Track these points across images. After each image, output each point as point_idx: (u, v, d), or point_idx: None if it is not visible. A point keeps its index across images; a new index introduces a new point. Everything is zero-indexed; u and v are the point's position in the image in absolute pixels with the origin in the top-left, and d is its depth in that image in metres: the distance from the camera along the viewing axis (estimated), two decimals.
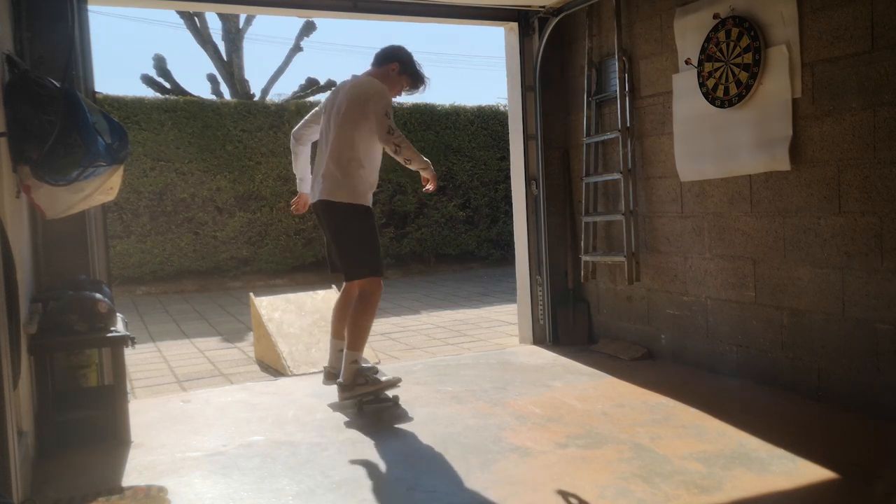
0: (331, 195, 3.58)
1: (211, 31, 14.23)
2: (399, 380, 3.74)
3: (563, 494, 2.54)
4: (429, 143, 11.59)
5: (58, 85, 2.77)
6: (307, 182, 3.98)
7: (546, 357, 4.75)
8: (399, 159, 3.58)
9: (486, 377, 4.25)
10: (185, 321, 7.62)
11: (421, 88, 3.89)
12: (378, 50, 3.85)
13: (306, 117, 3.98)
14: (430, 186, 3.73)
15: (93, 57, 3.84)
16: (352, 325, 3.60)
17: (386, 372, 3.90)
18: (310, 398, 3.92)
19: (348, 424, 3.44)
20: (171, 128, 10.00)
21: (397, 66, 3.77)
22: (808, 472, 2.64)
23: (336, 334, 3.84)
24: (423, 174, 3.70)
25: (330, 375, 3.81)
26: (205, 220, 10.28)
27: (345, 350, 3.61)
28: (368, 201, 3.66)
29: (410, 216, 11.57)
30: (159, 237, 10.03)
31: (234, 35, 14.26)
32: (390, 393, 3.73)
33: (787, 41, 3.52)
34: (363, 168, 3.61)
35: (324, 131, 3.75)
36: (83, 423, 3.23)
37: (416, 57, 3.84)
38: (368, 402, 3.64)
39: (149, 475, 2.84)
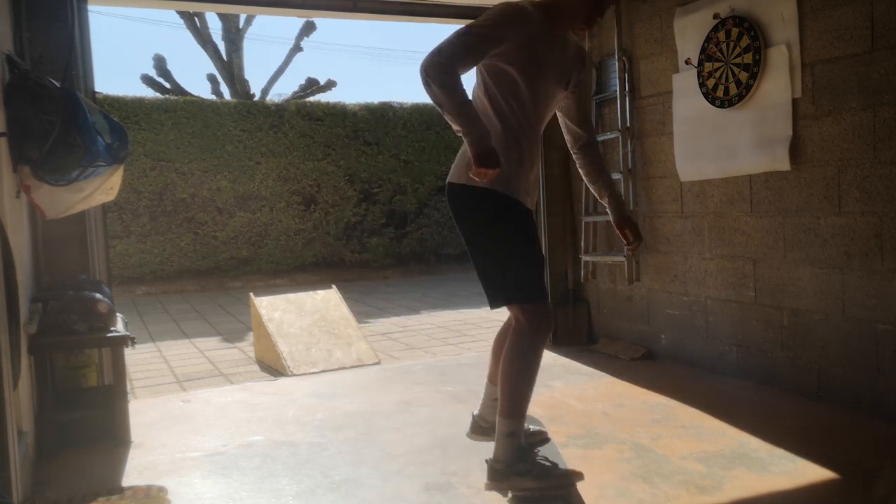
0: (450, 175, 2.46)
1: (211, 31, 14.25)
2: (580, 477, 2.40)
3: None
4: (429, 143, 11.59)
5: (58, 85, 2.77)
6: None
7: (546, 357, 4.70)
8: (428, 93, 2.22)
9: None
10: (185, 321, 7.62)
11: (606, 11, 2.49)
12: None
13: None
14: (473, 169, 2.18)
15: (93, 57, 3.84)
16: (502, 376, 2.37)
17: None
18: (310, 398, 3.92)
19: (348, 424, 3.43)
20: (171, 128, 10.02)
21: None
22: (808, 472, 2.64)
23: (491, 378, 2.69)
24: (464, 139, 2.22)
25: (477, 428, 2.76)
26: (205, 220, 10.29)
27: (497, 416, 2.39)
28: (506, 188, 2.35)
29: (410, 216, 11.57)
30: (159, 237, 10.04)
31: (234, 35, 14.27)
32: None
33: (787, 41, 3.52)
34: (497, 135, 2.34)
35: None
36: (83, 423, 3.23)
37: None
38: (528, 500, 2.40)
39: (149, 475, 2.84)
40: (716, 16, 3.85)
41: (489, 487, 2.41)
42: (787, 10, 3.51)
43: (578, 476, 2.40)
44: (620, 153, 4.56)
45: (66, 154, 2.65)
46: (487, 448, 3.01)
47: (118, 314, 3.41)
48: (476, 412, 2.78)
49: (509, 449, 2.35)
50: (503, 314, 2.60)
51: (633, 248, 2.64)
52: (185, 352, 5.90)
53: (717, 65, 3.89)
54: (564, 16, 2.40)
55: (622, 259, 4.61)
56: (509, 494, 2.43)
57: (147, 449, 3.16)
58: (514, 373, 2.35)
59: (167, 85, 13.54)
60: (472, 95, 2.42)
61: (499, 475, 2.36)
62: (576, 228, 5.12)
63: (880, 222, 3.19)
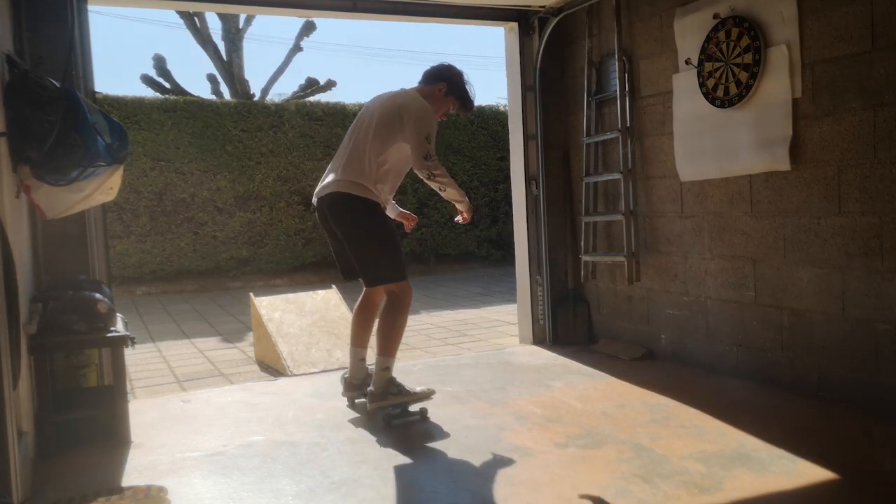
0: (347, 188, 3.36)
1: (211, 31, 14.23)
2: (433, 392, 3.54)
3: (563, 494, 2.54)
4: None
5: (58, 85, 2.77)
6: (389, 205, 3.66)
7: (546, 357, 4.75)
8: (433, 186, 3.40)
9: (486, 377, 4.25)
10: (185, 321, 7.61)
11: (470, 109, 3.71)
12: (428, 67, 3.68)
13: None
14: (462, 217, 3.67)
15: (93, 57, 3.84)
16: (384, 330, 3.41)
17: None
18: (310, 398, 3.92)
19: (348, 424, 3.44)
20: (171, 128, 10.00)
21: (444, 87, 3.57)
22: (808, 472, 2.64)
23: (356, 342, 3.66)
24: (459, 207, 3.61)
25: (350, 386, 3.67)
26: (205, 220, 10.28)
27: (376, 356, 3.44)
28: (383, 204, 3.51)
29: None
30: (159, 237, 10.03)
31: (234, 35, 14.26)
32: (417, 406, 3.47)
33: (787, 41, 3.52)
34: (383, 183, 3.44)
35: (351, 133, 3.52)
36: (83, 423, 3.23)
37: (464, 77, 3.64)
38: (396, 416, 3.37)
39: (149, 475, 2.84)
40: (716, 16, 3.85)
41: (372, 407, 3.41)
42: (787, 10, 3.51)
43: (431, 391, 3.52)
44: (620, 153, 4.56)
45: (65, 154, 2.65)
46: (486, 444, 3.02)
47: (118, 314, 3.41)
48: (347, 375, 3.71)
49: (384, 380, 3.40)
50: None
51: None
52: (184, 352, 5.90)
53: (717, 65, 3.89)
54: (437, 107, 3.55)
55: (622, 259, 4.61)
56: (387, 412, 3.37)
57: (147, 449, 3.16)
58: (396, 325, 3.41)
59: (167, 85, 13.53)
60: (372, 147, 3.38)
61: (378, 397, 3.39)
62: (576, 228, 5.12)
63: (880, 222, 3.19)
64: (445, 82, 3.57)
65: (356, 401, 3.68)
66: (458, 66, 3.68)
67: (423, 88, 3.58)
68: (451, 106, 3.63)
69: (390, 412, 3.37)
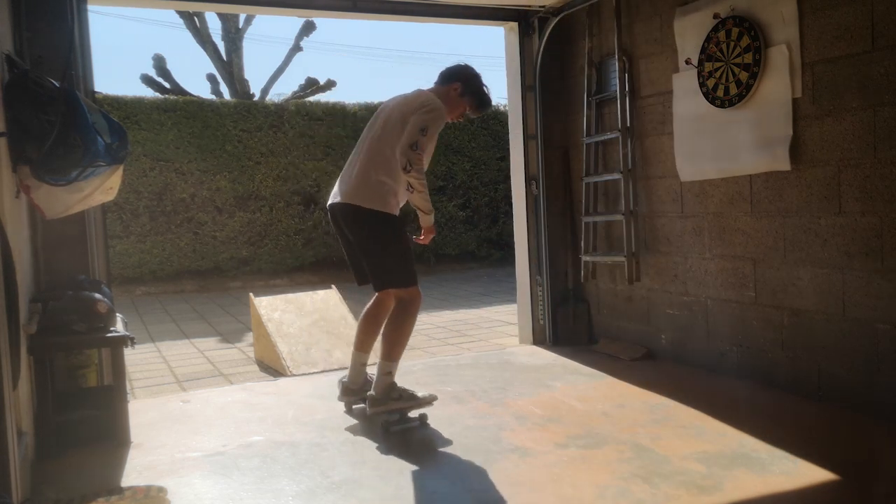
0: (362, 201, 3.35)
1: (211, 30, 14.23)
2: (434, 398, 3.47)
3: (563, 494, 2.54)
4: None
5: (57, 85, 2.77)
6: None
7: (546, 357, 4.74)
8: (405, 179, 3.27)
9: (486, 377, 4.25)
10: (185, 321, 7.61)
11: (485, 110, 3.72)
12: (443, 68, 3.66)
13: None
14: (423, 238, 3.53)
15: (93, 57, 3.84)
16: (389, 334, 3.38)
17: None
18: (310, 398, 3.92)
19: (348, 425, 3.43)
20: (171, 128, 10.00)
21: (459, 87, 3.54)
22: (808, 473, 2.64)
23: (360, 346, 3.62)
24: (421, 220, 3.43)
25: (347, 391, 3.62)
26: (204, 220, 10.28)
27: (379, 360, 3.39)
28: (397, 212, 3.46)
29: (411, 216, 11.56)
30: (159, 237, 10.03)
31: (233, 35, 14.26)
32: (417, 412, 3.41)
33: (788, 41, 3.52)
34: (397, 182, 3.36)
35: (366, 135, 3.51)
36: (83, 423, 3.23)
37: (480, 78, 3.61)
38: (395, 423, 3.33)
39: (149, 475, 2.84)
40: (716, 15, 3.85)
41: (372, 412, 3.36)
42: (788, 10, 3.51)
43: (433, 397, 3.47)
44: (620, 153, 4.56)
45: (65, 154, 2.65)
46: (486, 444, 3.02)
47: (118, 314, 3.41)
48: (346, 379, 3.66)
49: (386, 384, 3.36)
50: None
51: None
52: (184, 352, 5.90)
53: (717, 64, 3.88)
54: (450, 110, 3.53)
55: (622, 259, 4.61)
56: (385, 418, 3.34)
57: (147, 449, 3.16)
58: (402, 329, 3.39)
59: (167, 85, 13.52)
60: (385, 145, 3.36)
61: (379, 402, 3.35)
62: (576, 228, 5.12)
63: (880, 222, 3.19)
64: (461, 82, 3.54)
65: (353, 406, 3.64)
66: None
67: (438, 88, 3.56)
68: (465, 107, 3.58)
69: (389, 418, 3.33)
